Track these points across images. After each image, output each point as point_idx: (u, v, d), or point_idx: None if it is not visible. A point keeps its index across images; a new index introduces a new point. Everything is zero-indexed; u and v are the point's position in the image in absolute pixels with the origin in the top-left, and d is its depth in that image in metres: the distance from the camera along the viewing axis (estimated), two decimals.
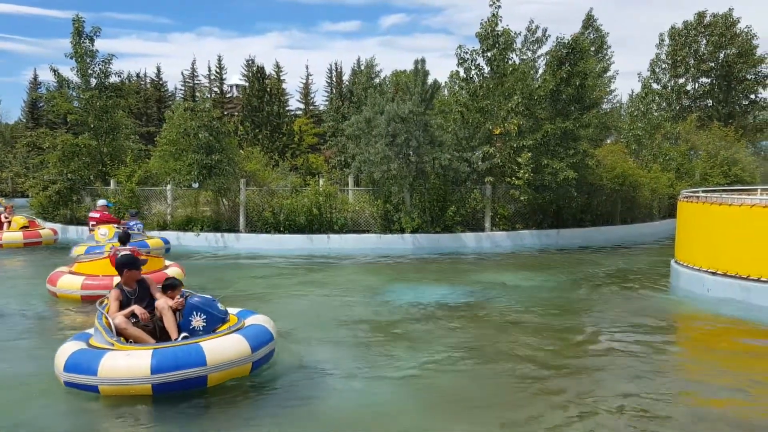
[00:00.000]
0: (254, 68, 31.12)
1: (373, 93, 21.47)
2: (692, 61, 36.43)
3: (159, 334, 6.37)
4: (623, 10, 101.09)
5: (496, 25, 18.04)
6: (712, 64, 36.03)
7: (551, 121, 17.58)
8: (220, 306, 6.51)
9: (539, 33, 20.07)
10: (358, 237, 17.06)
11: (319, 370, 6.58)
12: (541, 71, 19.43)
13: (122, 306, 6.36)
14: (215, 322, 6.36)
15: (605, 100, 28.58)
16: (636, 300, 10.49)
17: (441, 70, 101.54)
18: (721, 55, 35.89)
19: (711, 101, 36.68)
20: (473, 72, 18.40)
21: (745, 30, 35.67)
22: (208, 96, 38.55)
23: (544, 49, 19.67)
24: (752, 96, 36.69)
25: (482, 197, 18.06)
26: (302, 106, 41.25)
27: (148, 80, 55.38)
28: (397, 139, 16.40)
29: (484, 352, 7.32)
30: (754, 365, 7.05)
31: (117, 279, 7.42)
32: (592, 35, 28.87)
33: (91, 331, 6.47)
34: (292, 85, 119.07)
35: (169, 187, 18.81)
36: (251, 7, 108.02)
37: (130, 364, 5.60)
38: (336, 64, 36.61)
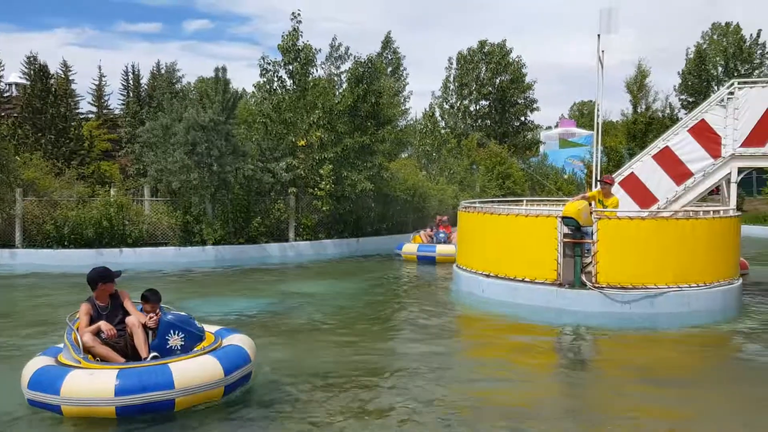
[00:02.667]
0: (36, 66, 27.99)
1: (170, 98, 20.65)
2: (474, 85, 40.48)
3: (131, 352, 5.90)
4: (419, 34, 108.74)
5: (297, 39, 18.51)
6: (491, 89, 40.38)
7: (350, 135, 18.46)
8: (197, 323, 6.17)
9: (342, 50, 20.96)
10: (155, 250, 16.27)
11: None
12: (345, 86, 20.31)
13: (92, 321, 5.93)
14: (194, 340, 5.98)
15: (401, 117, 30.57)
16: (424, 302, 11.51)
17: (248, 79, 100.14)
18: (498, 81, 40.40)
19: (489, 121, 41.05)
20: (276, 84, 18.66)
21: (517, 59, 40.62)
22: None
23: (347, 65, 20.62)
24: (522, 118, 41.80)
25: (286, 208, 18.32)
26: (95, 109, 37.95)
27: None
28: (197, 147, 15.98)
29: (286, 365, 7.55)
30: (517, 358, 8.11)
31: None
32: (390, 56, 30.75)
33: (62, 345, 6.03)
34: (83, 86, 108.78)
35: None
36: None
37: (93, 384, 5.25)
38: (133, 66, 34.14)
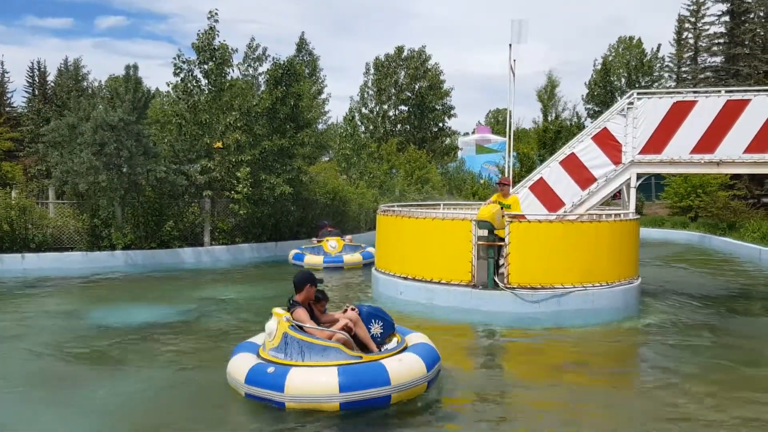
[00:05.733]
0: None
1: (76, 96, 19.66)
2: (393, 90, 41.01)
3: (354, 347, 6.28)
4: (341, 38, 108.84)
5: (213, 38, 18.11)
6: (409, 94, 41.04)
7: (269, 137, 18.23)
8: (388, 313, 6.81)
9: (259, 51, 20.65)
10: (60, 255, 15.43)
11: None
12: (263, 88, 20.03)
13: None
14: (389, 328, 6.69)
15: (320, 121, 30.53)
16: (343, 305, 11.51)
17: (164, 78, 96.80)
18: (416, 87, 41.12)
19: (408, 126, 41.71)
20: (190, 83, 18.16)
21: (435, 66, 41.50)
22: None
23: (265, 67, 20.33)
24: (440, 124, 42.74)
25: (201, 211, 17.85)
26: None
27: None
28: (105, 148, 15.29)
29: (195, 373, 7.38)
30: None
31: None
32: (306, 57, 30.64)
33: (256, 340, 6.65)
34: None
35: None
36: None
37: (319, 381, 5.69)
38: (39, 62, 32.31)
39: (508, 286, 10.05)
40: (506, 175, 14.06)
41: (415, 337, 6.77)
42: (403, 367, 5.95)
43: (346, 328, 6.37)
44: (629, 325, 9.94)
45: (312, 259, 16.09)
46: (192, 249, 17.22)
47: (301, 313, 6.30)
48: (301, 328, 6.13)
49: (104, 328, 9.23)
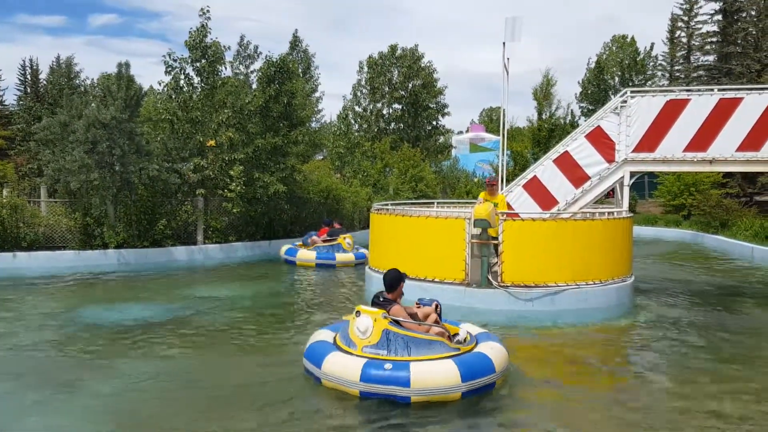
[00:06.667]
0: None
1: (68, 94, 19.54)
2: (387, 89, 40.95)
3: None
4: (336, 36, 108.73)
5: (205, 36, 18.02)
6: (403, 93, 40.99)
7: (262, 136, 18.16)
8: None
9: (251, 49, 20.60)
10: (52, 254, 15.34)
11: None
12: (255, 86, 19.95)
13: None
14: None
15: (314, 119, 30.46)
16: (337, 304, 11.51)
17: (158, 76, 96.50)
18: (410, 85, 41.07)
19: (402, 125, 41.66)
20: (182, 81, 18.07)
21: (428, 64, 41.47)
22: None
23: (257, 65, 20.28)
24: (434, 122, 42.70)
25: (194, 210, 17.77)
26: None
27: None
28: (98, 146, 15.19)
29: (188, 371, 7.34)
30: None
31: None
32: (299, 55, 30.55)
33: (323, 338, 6.86)
34: None
35: None
36: None
37: (441, 374, 5.98)
38: (31, 60, 32.13)
39: (502, 284, 10.05)
40: (500, 174, 14.06)
41: (485, 347, 6.79)
42: (499, 355, 6.50)
43: (438, 322, 6.78)
44: (623, 323, 9.96)
45: (305, 255, 16.20)
46: (185, 248, 17.15)
47: (400, 309, 6.59)
48: (398, 323, 6.38)
49: (96, 327, 9.18)
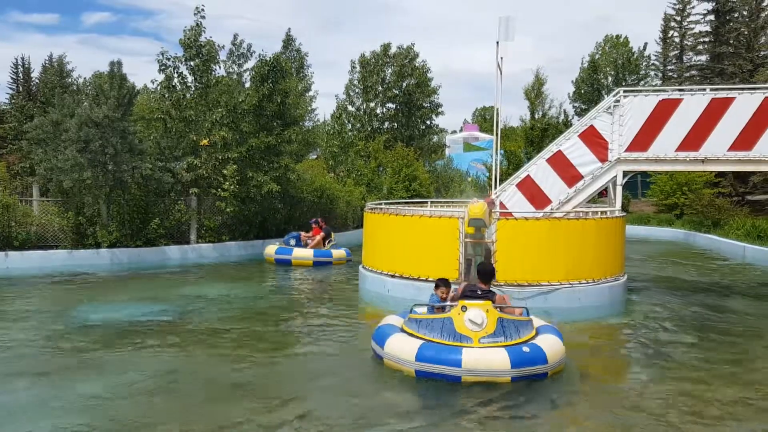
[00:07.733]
0: None
1: (60, 93, 19.45)
2: (380, 88, 40.88)
3: None
4: (326, 35, 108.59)
5: (200, 35, 17.98)
6: (397, 92, 40.93)
7: (256, 135, 18.12)
8: None
9: (244, 48, 20.51)
10: (45, 253, 15.26)
11: None
12: (248, 85, 19.90)
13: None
14: None
15: (307, 118, 30.40)
16: (330, 302, 11.52)
17: (151, 75, 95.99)
18: (404, 84, 41.02)
19: (396, 124, 41.61)
20: (176, 80, 18.01)
21: (422, 64, 41.42)
22: None
23: (250, 63, 20.21)
24: (428, 122, 42.67)
25: (187, 209, 17.71)
26: None
27: None
28: (90, 145, 15.12)
29: (182, 370, 7.33)
30: None
31: None
32: (293, 54, 30.47)
33: (393, 322, 7.56)
34: None
35: None
36: None
37: (561, 348, 6.90)
38: (23, 58, 31.96)
39: (495, 283, 10.05)
40: (493, 173, 14.08)
41: (543, 339, 7.12)
42: (553, 348, 6.91)
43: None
44: (615, 322, 10.00)
45: (301, 253, 16.29)
46: (178, 247, 17.10)
47: (502, 297, 7.27)
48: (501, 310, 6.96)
49: (88, 326, 9.15)
